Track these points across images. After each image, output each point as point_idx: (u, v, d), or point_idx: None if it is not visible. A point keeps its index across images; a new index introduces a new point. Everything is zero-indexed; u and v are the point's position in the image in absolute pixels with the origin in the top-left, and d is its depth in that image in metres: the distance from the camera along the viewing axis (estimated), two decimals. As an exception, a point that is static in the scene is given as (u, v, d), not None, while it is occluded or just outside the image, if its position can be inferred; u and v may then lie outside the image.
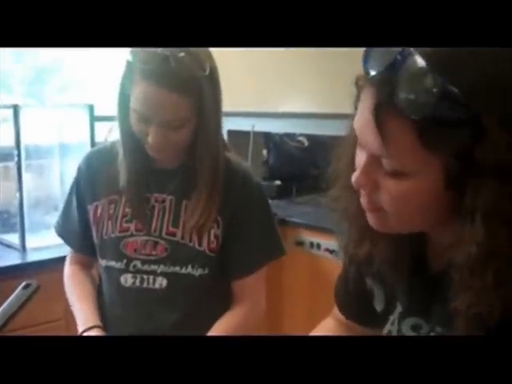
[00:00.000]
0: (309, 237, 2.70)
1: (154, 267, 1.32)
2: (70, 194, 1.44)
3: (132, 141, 1.29)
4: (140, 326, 1.35)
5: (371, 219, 0.80)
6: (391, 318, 0.92)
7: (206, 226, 1.30)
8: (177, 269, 1.31)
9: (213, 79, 1.24)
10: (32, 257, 2.37)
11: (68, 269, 1.48)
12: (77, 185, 1.42)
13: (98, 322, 1.33)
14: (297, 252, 2.71)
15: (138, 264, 1.33)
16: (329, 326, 1.10)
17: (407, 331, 0.88)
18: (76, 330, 1.33)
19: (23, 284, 1.24)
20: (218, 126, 1.31)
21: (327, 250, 2.63)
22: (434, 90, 0.65)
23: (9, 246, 2.48)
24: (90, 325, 1.30)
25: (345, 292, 1.04)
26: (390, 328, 0.92)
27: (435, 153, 0.67)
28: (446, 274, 0.75)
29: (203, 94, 1.21)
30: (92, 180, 1.39)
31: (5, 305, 1.19)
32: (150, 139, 1.22)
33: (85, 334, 1.27)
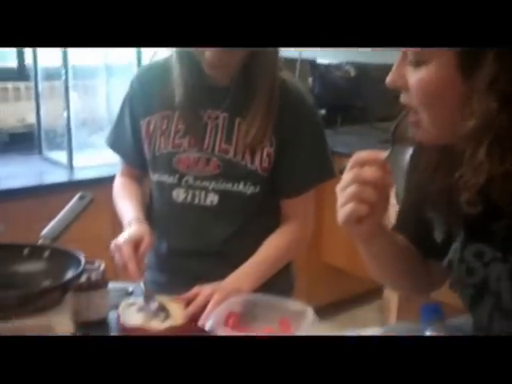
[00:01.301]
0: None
1: (205, 183, 1.32)
2: (122, 108, 1.44)
3: (188, 56, 1.27)
4: (191, 241, 1.37)
5: (416, 135, 0.84)
6: (453, 246, 0.91)
7: (260, 145, 1.29)
8: (228, 186, 1.31)
9: None
10: (79, 175, 2.41)
11: (118, 180, 1.50)
12: (129, 100, 1.41)
13: (140, 215, 1.34)
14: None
15: (190, 180, 1.33)
16: None
17: (470, 259, 0.87)
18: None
19: (78, 195, 1.26)
20: None
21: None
22: None
23: (56, 163, 2.52)
24: (133, 217, 1.32)
25: (404, 225, 1.03)
26: (451, 257, 0.91)
27: None
28: None
29: None
30: (145, 95, 1.38)
31: (60, 215, 1.21)
32: (207, 54, 1.20)
33: (127, 229, 1.29)
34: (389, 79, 0.83)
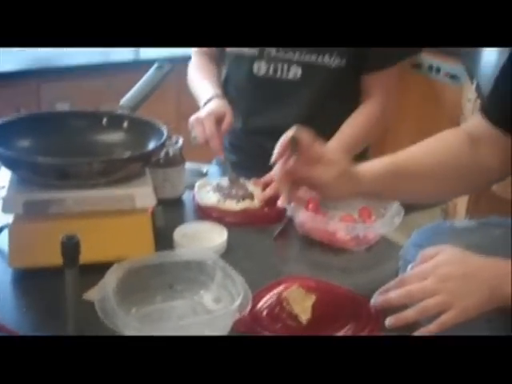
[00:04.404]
0: (429, 59, 2.51)
1: (289, 55, 1.25)
2: None
3: None
4: (269, 118, 1.32)
5: None
6: None
7: None
8: (313, 58, 1.24)
9: None
10: (144, 54, 2.35)
11: (194, 59, 1.43)
12: None
13: (220, 92, 1.28)
14: (412, 75, 2.54)
15: (273, 51, 1.26)
16: (451, 137, 1.01)
17: None
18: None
19: (156, 65, 1.20)
20: None
21: (448, 74, 2.45)
22: None
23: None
24: (214, 93, 1.27)
25: (500, 94, 0.95)
26: None
27: None
28: None
29: None
30: None
31: (139, 84, 1.15)
32: None
33: (206, 106, 1.24)
34: None
